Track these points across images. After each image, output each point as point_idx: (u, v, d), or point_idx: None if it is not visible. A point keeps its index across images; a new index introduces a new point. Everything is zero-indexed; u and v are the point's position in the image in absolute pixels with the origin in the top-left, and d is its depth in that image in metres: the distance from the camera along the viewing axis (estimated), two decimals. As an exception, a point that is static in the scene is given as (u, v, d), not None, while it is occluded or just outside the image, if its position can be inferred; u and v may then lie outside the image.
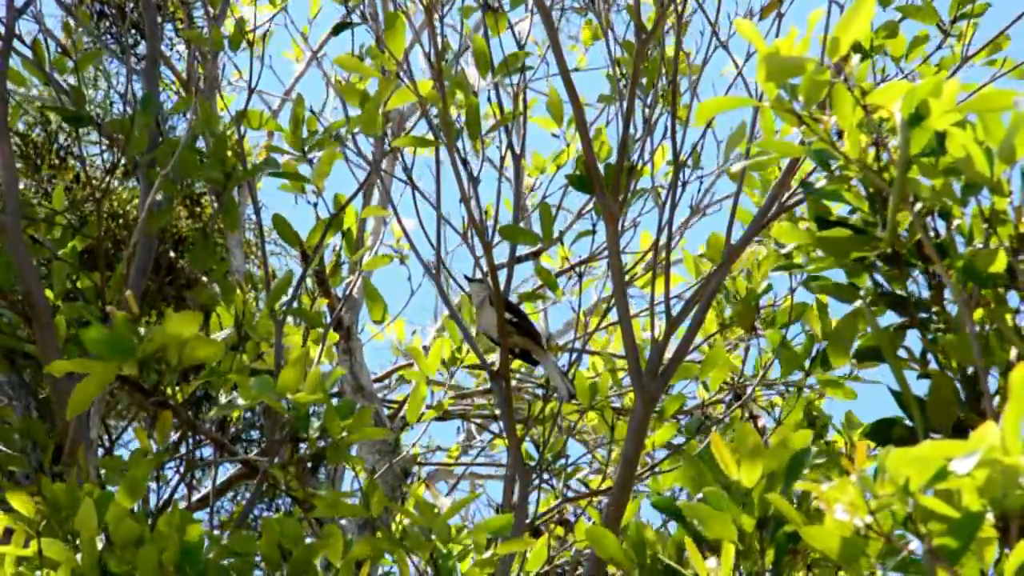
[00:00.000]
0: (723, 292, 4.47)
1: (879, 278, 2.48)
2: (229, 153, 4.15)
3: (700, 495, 2.44)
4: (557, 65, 3.88)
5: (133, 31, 5.40)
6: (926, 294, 2.45)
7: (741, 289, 4.40)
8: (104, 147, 5.26)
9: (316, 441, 3.20)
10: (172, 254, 5.37)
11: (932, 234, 2.38)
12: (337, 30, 4.85)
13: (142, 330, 2.91)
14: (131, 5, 5.60)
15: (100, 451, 4.01)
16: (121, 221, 5.33)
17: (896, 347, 2.46)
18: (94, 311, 3.89)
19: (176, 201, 4.45)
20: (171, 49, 5.99)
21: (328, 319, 5.01)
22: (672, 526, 2.65)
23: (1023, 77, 3.95)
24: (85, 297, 4.01)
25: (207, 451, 5.86)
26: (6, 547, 2.81)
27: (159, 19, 4.74)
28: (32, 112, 5.50)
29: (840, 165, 2.30)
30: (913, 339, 2.49)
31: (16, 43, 4.25)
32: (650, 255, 4.95)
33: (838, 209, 2.48)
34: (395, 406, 6.06)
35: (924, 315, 2.46)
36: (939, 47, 3.93)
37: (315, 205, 4.41)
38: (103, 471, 3.38)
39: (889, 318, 2.50)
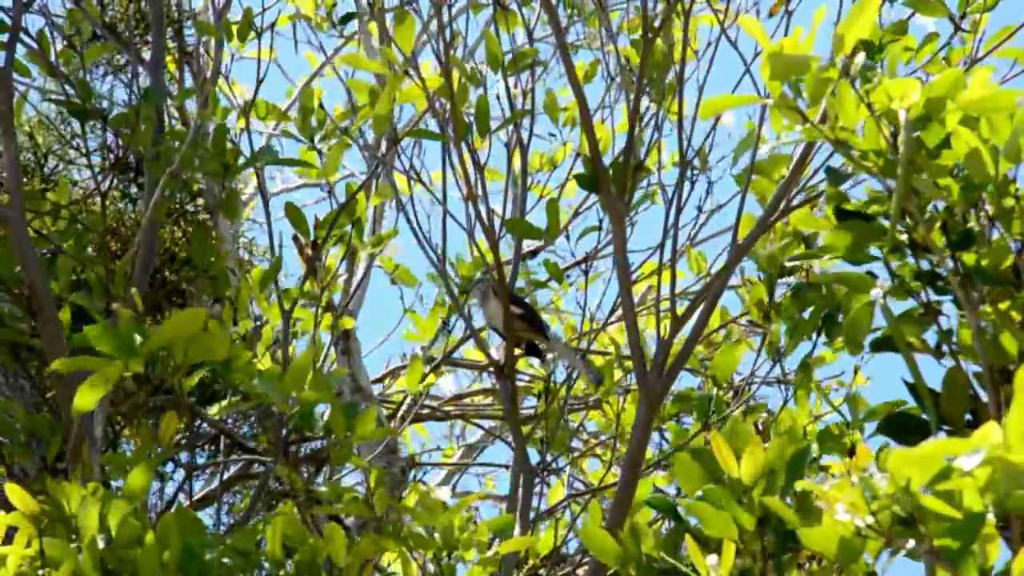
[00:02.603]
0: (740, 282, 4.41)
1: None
2: (228, 144, 4.15)
3: (699, 493, 2.43)
4: (563, 63, 3.87)
5: (125, 47, 5.38)
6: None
7: (764, 266, 4.31)
8: (104, 155, 5.26)
9: (320, 440, 3.19)
10: (167, 272, 5.37)
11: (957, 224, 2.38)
12: (344, 20, 4.87)
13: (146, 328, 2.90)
14: (122, 26, 5.60)
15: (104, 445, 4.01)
16: (118, 236, 5.32)
17: (920, 332, 2.45)
18: (98, 303, 3.89)
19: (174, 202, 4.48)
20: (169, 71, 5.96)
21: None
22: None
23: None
24: (90, 290, 4.01)
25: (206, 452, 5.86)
26: (7, 547, 2.80)
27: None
28: (23, 133, 5.47)
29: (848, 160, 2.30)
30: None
31: (23, 38, 4.25)
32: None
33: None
34: (393, 406, 6.06)
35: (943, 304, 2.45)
36: (949, 41, 3.90)
37: (329, 193, 4.42)
38: (107, 468, 3.38)
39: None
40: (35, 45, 4.30)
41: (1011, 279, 2.34)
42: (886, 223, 2.43)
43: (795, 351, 4.34)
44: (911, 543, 1.96)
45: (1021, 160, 2.20)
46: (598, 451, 5.72)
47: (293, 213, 4.34)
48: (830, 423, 4.06)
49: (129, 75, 5.50)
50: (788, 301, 4.20)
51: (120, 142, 4.26)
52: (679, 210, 3.80)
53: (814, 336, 4.15)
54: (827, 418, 4.54)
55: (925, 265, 2.47)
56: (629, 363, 4.83)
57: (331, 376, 3.19)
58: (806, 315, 4.10)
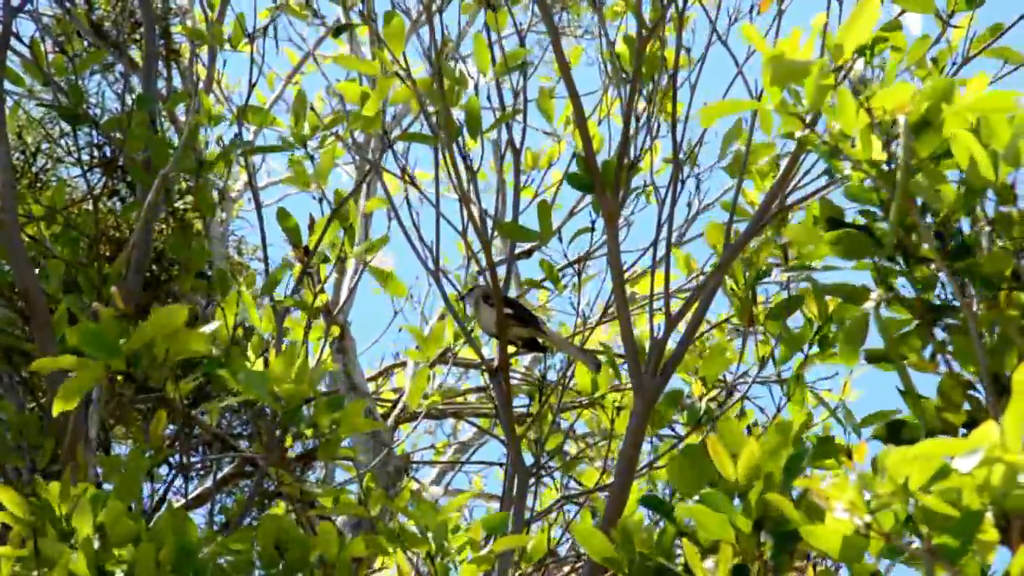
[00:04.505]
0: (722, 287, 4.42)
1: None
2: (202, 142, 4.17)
3: (696, 496, 2.43)
4: (556, 60, 3.87)
5: (115, 49, 5.37)
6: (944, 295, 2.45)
7: (739, 277, 4.34)
8: (91, 153, 5.23)
9: (307, 436, 3.19)
10: (156, 269, 5.36)
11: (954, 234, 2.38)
12: (337, 32, 4.83)
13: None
14: (109, 24, 5.59)
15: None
16: (107, 236, 5.30)
17: (919, 346, 2.46)
18: (90, 304, 3.89)
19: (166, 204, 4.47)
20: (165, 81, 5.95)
21: (322, 317, 5.01)
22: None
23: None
24: (81, 292, 4.01)
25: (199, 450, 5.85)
26: (2, 547, 2.80)
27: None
28: (11, 132, 5.44)
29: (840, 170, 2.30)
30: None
31: (14, 43, 4.25)
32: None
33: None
34: (388, 404, 6.05)
35: (939, 314, 2.46)
36: (938, 40, 3.90)
37: (320, 200, 4.42)
38: (101, 470, 3.37)
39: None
40: (26, 50, 4.29)
41: (1010, 283, 2.34)
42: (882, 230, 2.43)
43: (788, 357, 4.36)
44: (912, 544, 1.97)
45: (1021, 165, 2.20)
46: (589, 453, 5.71)
47: (285, 219, 4.33)
48: (824, 425, 4.08)
49: (118, 74, 5.48)
50: (773, 309, 4.24)
51: (109, 141, 4.26)
52: (672, 205, 3.80)
53: (805, 347, 4.18)
54: (821, 419, 4.55)
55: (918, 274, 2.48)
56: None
57: (316, 371, 3.18)
58: (796, 323, 4.14)
